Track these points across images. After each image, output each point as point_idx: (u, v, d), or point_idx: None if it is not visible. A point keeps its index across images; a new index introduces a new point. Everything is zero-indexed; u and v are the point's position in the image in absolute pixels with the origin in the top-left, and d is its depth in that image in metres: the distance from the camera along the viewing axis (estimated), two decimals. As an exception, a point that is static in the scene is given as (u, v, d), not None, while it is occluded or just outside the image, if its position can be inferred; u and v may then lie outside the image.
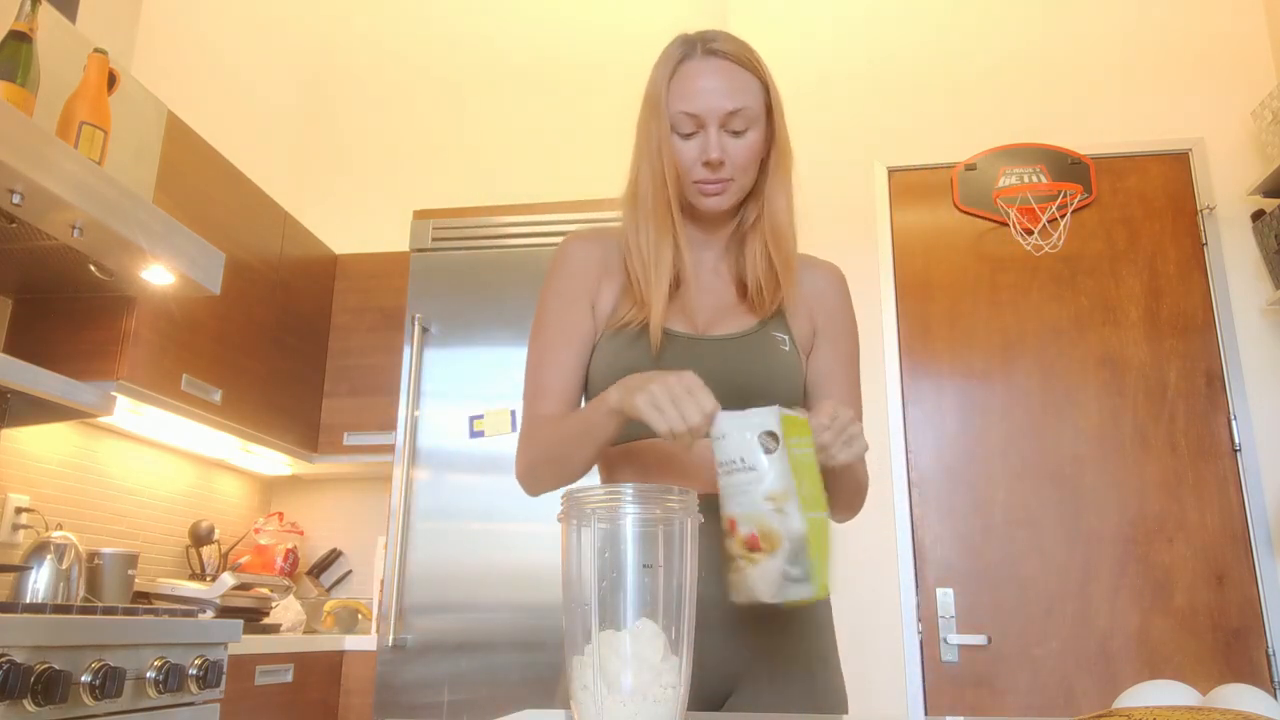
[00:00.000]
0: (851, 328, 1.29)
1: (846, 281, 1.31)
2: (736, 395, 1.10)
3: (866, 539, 2.79)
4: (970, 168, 3.05)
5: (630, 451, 1.15)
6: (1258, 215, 2.78)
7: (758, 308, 1.20)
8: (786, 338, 1.21)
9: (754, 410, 0.89)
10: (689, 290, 1.22)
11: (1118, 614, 2.66)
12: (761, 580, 0.88)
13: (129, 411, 2.40)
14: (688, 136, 1.16)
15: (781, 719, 0.84)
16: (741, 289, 1.23)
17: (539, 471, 1.15)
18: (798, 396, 1.20)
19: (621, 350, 1.17)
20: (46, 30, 2.01)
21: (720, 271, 1.25)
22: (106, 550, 2.33)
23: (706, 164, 1.15)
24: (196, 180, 2.56)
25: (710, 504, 0.96)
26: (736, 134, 1.16)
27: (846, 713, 1.09)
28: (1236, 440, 2.71)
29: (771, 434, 0.87)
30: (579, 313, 1.22)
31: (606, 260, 1.24)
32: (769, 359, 1.17)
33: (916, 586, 2.76)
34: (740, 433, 0.87)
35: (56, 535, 2.18)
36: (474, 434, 2.67)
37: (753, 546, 0.87)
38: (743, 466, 0.87)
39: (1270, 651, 2.57)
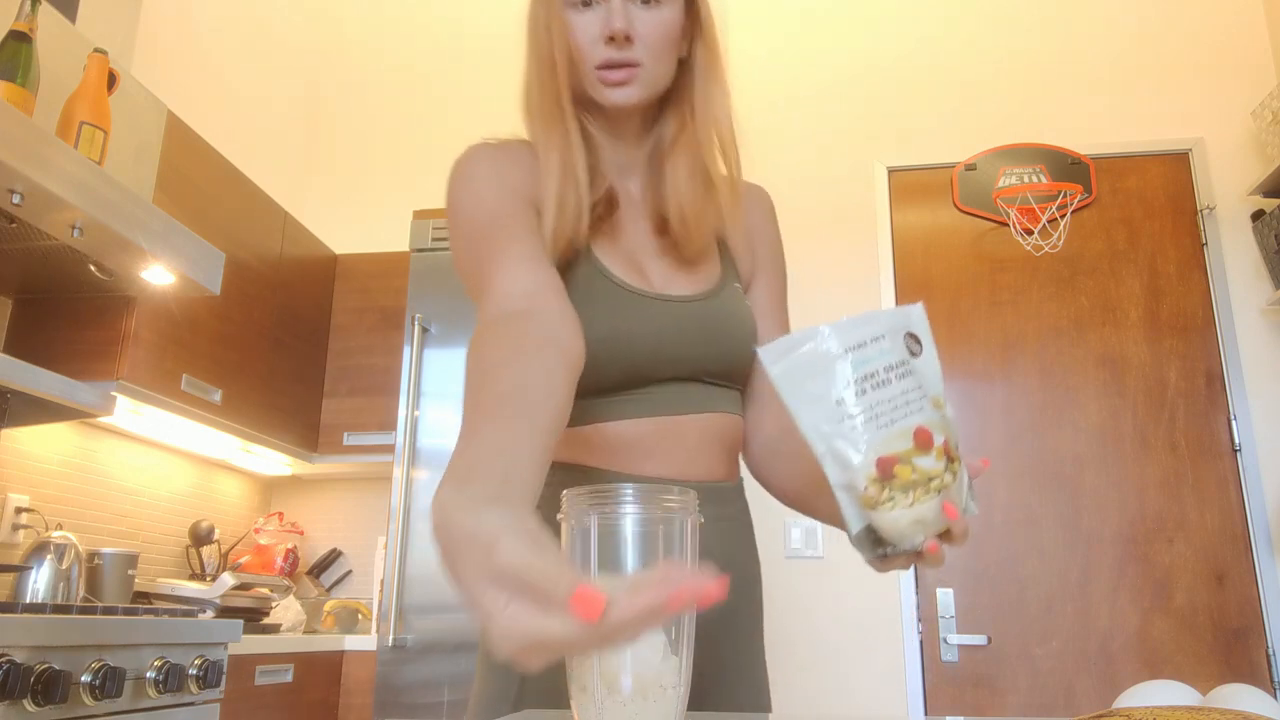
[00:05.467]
0: (784, 261, 1.12)
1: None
2: (707, 370, 0.97)
3: (866, 539, 2.79)
4: (970, 168, 3.05)
5: (579, 438, 0.95)
6: (1258, 215, 2.78)
7: (684, 247, 0.98)
8: (740, 286, 1.03)
9: (892, 310, 0.73)
10: (619, 223, 0.99)
11: (1118, 614, 2.66)
12: (960, 493, 0.72)
13: (129, 411, 2.40)
14: (586, 7, 0.93)
15: (779, 718, 0.84)
16: (661, 226, 0.99)
17: None
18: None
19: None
20: (46, 30, 2.01)
21: (646, 202, 1.03)
22: (106, 550, 2.33)
23: (610, 39, 0.91)
24: (196, 180, 2.56)
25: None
26: (647, 3, 0.93)
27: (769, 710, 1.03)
28: (1236, 440, 2.71)
29: (914, 335, 0.72)
30: (527, 215, 0.92)
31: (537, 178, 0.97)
32: (741, 322, 0.99)
33: (916, 586, 2.76)
34: (895, 336, 0.71)
35: (56, 535, 2.18)
36: (474, 434, 2.67)
37: (952, 456, 0.70)
38: (903, 371, 0.70)
39: (1270, 651, 2.57)
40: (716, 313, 0.98)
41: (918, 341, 0.72)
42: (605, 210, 0.96)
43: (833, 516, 0.89)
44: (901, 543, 0.70)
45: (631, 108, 0.96)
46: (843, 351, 0.69)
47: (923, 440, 0.69)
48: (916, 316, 0.72)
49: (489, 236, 0.89)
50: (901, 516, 0.69)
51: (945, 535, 0.71)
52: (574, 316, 0.82)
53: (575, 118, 0.95)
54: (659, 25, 0.93)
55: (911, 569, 2.77)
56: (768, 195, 1.14)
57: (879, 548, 0.71)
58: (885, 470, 0.68)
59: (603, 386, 0.93)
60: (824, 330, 0.69)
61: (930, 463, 0.69)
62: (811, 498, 0.97)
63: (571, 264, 0.94)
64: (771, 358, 0.70)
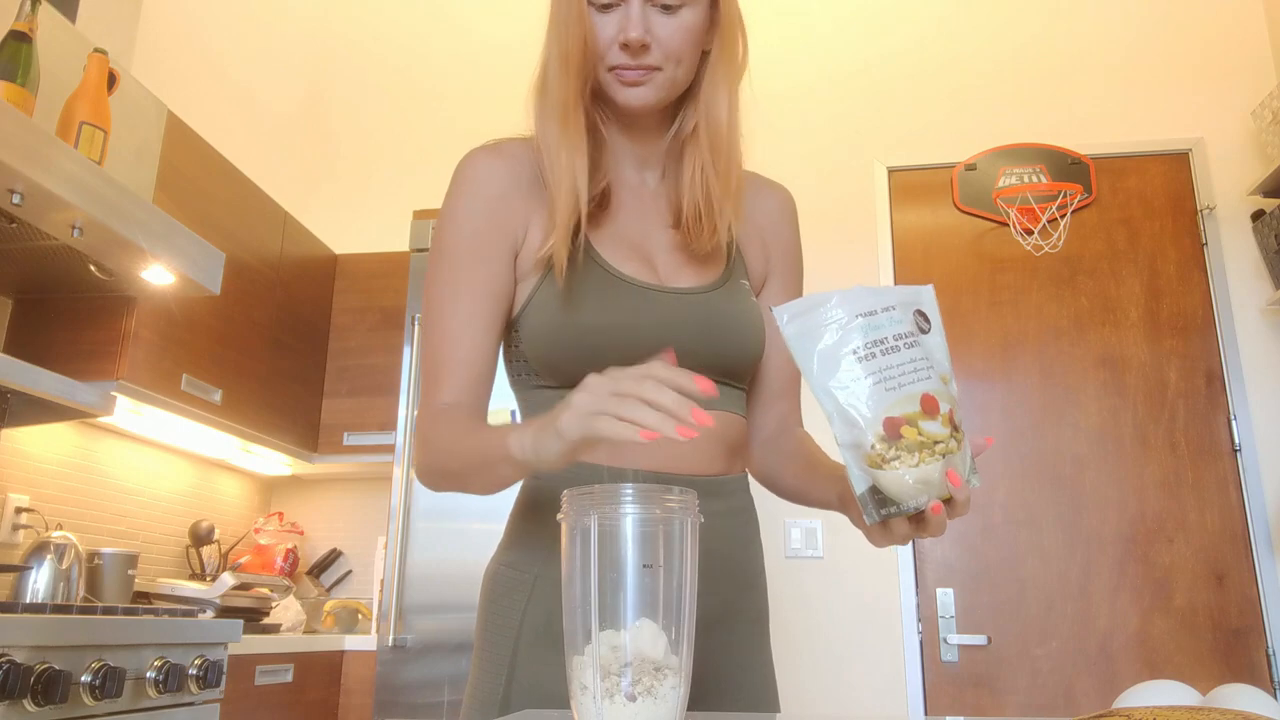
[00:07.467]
0: (802, 266, 1.12)
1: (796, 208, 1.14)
2: (707, 364, 0.95)
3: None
4: (970, 168, 3.05)
5: None
6: (1258, 215, 2.78)
7: (695, 240, 0.99)
8: (748, 284, 1.03)
9: (903, 287, 0.77)
10: (627, 215, 1.00)
11: (1118, 614, 2.66)
12: (964, 463, 0.74)
13: (129, 411, 2.40)
14: (606, 9, 0.93)
15: (777, 718, 0.84)
16: (677, 219, 1.01)
17: (439, 482, 0.96)
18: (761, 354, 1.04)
19: (559, 302, 0.93)
20: (46, 30, 2.01)
21: (661, 196, 1.04)
22: (106, 550, 2.33)
23: (625, 45, 0.92)
24: (196, 180, 2.56)
25: (661, 480, 0.87)
26: (668, 9, 0.92)
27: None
28: (1236, 440, 2.71)
29: (923, 314, 0.75)
30: (494, 262, 0.96)
31: (532, 179, 0.98)
32: (745, 318, 0.99)
33: (916, 586, 2.76)
34: (905, 309, 0.74)
35: (56, 535, 2.18)
36: (474, 434, 2.67)
37: (957, 427, 0.73)
38: (911, 341, 0.73)
39: (1270, 651, 2.57)
40: (716, 306, 0.98)
41: (926, 320, 0.75)
42: (600, 204, 0.97)
43: (828, 501, 0.92)
44: (905, 501, 0.71)
45: (647, 109, 0.97)
46: (854, 316, 0.72)
47: (929, 406, 0.71)
48: (927, 297, 0.76)
49: (454, 291, 0.95)
50: (906, 475, 0.70)
51: (948, 504, 0.73)
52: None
53: (587, 116, 0.96)
54: (679, 31, 0.93)
55: (911, 568, 2.78)
56: (790, 197, 1.14)
57: (883, 508, 0.72)
58: (892, 430, 0.70)
59: None
60: (837, 295, 0.73)
61: (936, 428, 0.71)
62: (808, 482, 0.97)
63: (572, 254, 0.95)
64: (786, 317, 0.73)
